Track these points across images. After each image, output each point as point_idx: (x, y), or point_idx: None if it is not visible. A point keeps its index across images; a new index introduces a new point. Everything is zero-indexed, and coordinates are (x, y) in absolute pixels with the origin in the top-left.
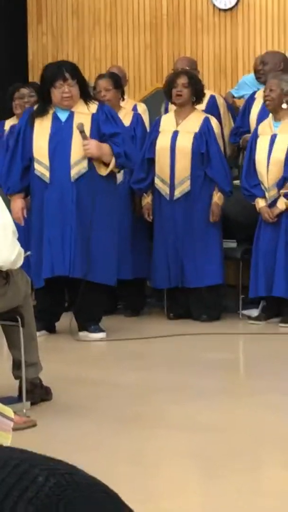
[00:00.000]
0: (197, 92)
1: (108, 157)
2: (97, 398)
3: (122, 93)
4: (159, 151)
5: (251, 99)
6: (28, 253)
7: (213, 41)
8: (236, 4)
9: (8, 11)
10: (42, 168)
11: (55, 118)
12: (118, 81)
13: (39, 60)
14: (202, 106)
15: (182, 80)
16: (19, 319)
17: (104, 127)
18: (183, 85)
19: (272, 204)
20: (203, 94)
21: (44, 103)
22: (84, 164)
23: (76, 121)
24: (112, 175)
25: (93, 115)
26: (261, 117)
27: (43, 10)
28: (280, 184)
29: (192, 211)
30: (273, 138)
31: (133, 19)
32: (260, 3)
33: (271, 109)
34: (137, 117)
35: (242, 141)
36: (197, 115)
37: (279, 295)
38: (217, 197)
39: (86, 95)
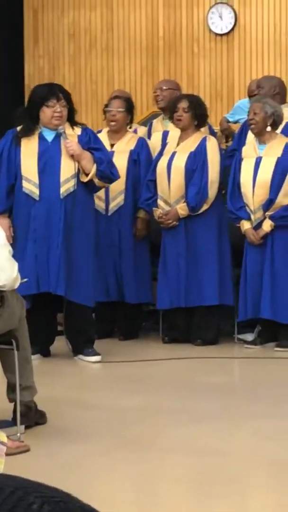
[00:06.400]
0: (198, 116)
1: (89, 164)
2: (92, 422)
3: (131, 120)
4: (158, 171)
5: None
6: (25, 279)
7: (209, 65)
8: (232, 29)
9: (5, 33)
10: (30, 185)
11: (42, 138)
12: (130, 106)
13: (35, 83)
14: (203, 129)
15: (183, 105)
16: (14, 343)
17: (87, 144)
18: (183, 110)
19: (258, 226)
20: (206, 117)
21: (30, 123)
22: (73, 182)
23: (62, 141)
24: (92, 197)
25: (78, 136)
26: None
27: (40, 32)
28: (266, 206)
29: (193, 230)
30: (258, 161)
31: (129, 42)
32: (256, 28)
33: (255, 132)
34: (142, 142)
35: None
36: (197, 136)
37: (266, 317)
38: (179, 206)
39: (73, 121)
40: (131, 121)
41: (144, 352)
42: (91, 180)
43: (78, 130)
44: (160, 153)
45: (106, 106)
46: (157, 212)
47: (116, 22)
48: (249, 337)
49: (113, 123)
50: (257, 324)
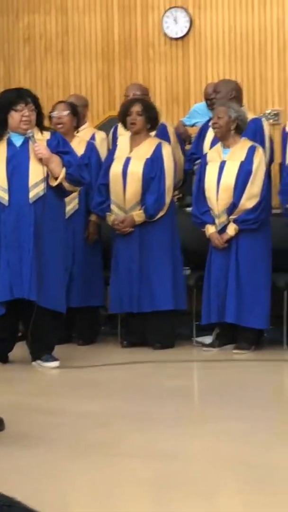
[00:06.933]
0: (151, 120)
1: (58, 167)
2: (52, 428)
3: (77, 124)
4: (112, 177)
5: (205, 126)
6: None
7: (165, 70)
8: (187, 33)
9: None
10: (0, 191)
11: (10, 143)
12: (75, 110)
13: None
14: (152, 133)
15: (136, 108)
16: None
17: (56, 148)
18: (137, 113)
19: (222, 230)
20: (158, 121)
21: None
22: (42, 186)
23: (31, 145)
24: (63, 201)
25: (47, 140)
26: (214, 144)
27: None
28: (229, 210)
29: (146, 234)
30: (222, 165)
31: (85, 46)
32: (210, 32)
33: (219, 136)
34: (91, 146)
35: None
36: (151, 141)
37: (230, 321)
38: (136, 213)
39: (41, 126)
40: (77, 126)
41: (102, 356)
42: (60, 184)
43: (47, 135)
44: (110, 157)
45: (52, 111)
46: (111, 218)
47: (71, 26)
48: (207, 339)
49: (60, 126)
50: (215, 326)
